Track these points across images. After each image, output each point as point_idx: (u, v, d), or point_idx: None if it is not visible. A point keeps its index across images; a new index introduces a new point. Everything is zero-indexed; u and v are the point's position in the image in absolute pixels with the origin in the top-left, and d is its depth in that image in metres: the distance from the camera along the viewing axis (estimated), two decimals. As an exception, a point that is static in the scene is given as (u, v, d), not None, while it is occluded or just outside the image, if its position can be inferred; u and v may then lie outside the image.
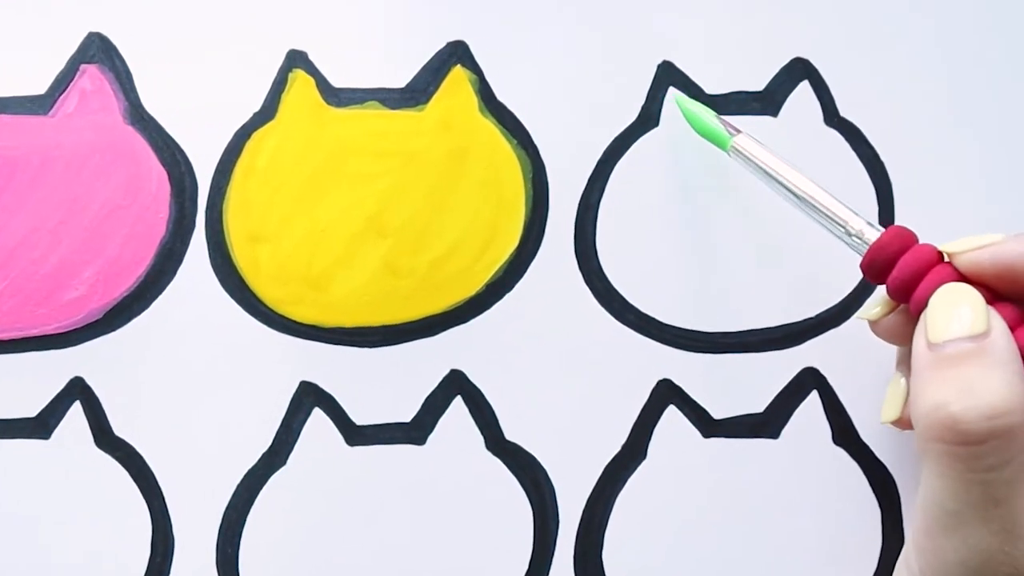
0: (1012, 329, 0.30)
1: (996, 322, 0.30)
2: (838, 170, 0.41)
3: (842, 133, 0.42)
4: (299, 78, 0.41)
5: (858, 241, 0.34)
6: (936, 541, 0.30)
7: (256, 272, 0.40)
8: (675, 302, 0.41)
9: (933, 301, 0.31)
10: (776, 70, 0.41)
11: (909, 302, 0.33)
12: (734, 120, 0.40)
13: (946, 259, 0.33)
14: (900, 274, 0.33)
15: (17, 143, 0.40)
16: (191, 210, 0.40)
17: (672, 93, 0.41)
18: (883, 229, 0.34)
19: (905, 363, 0.34)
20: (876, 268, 0.33)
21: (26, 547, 0.39)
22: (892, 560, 0.39)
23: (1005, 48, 0.42)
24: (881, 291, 0.35)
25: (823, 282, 0.41)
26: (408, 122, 0.41)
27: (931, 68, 0.42)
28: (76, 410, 0.40)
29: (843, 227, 0.35)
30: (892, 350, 0.38)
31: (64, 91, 0.41)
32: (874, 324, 0.35)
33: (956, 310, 0.30)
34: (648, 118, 0.41)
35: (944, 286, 0.31)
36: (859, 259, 0.35)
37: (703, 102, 0.40)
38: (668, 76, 0.42)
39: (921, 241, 0.34)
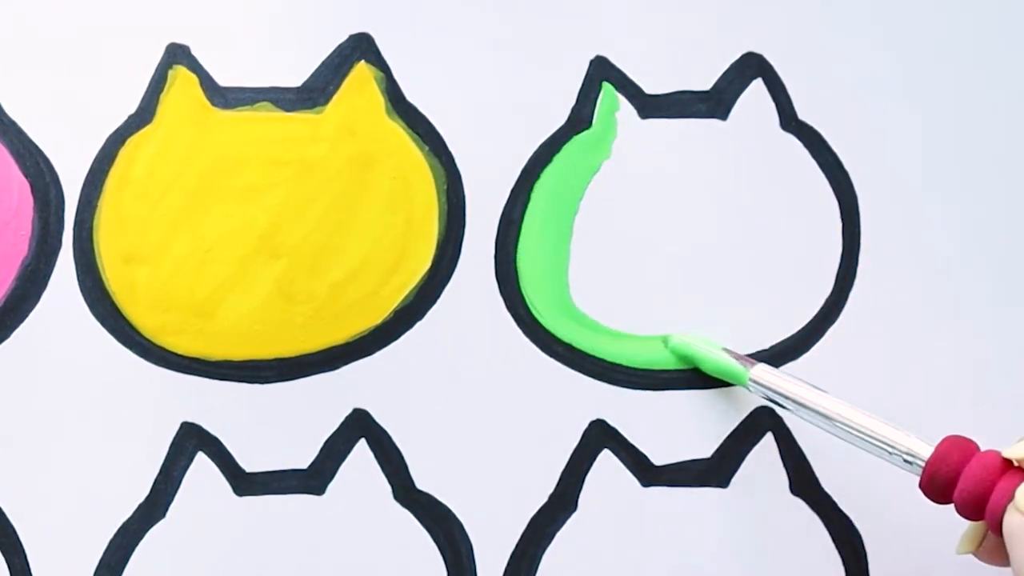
0: None
1: None
2: (796, 181, 0.41)
3: (800, 138, 0.41)
4: (180, 76, 0.40)
5: (910, 459, 0.33)
6: None
7: (132, 297, 0.39)
8: (610, 332, 0.40)
9: None
10: (725, 67, 0.41)
11: (984, 516, 0.32)
12: (676, 124, 0.40)
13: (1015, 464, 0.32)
14: (967, 485, 0.32)
15: None
16: (57, 226, 0.39)
17: (673, 340, 0.40)
18: (932, 443, 0.33)
19: None
20: (937, 486, 0.33)
21: None
22: (856, 624, 0.39)
23: (982, 48, 0.42)
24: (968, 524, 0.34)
25: (780, 309, 0.41)
26: (305, 126, 0.40)
27: (900, 65, 0.42)
28: (-80, 456, 0.39)
29: (889, 448, 0.34)
30: (855, 386, 0.39)
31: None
32: (978, 553, 0.34)
33: None
34: (579, 121, 0.41)
35: None
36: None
37: (641, 103, 0.41)
38: (602, 73, 0.41)
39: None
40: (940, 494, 0.33)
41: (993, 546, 0.34)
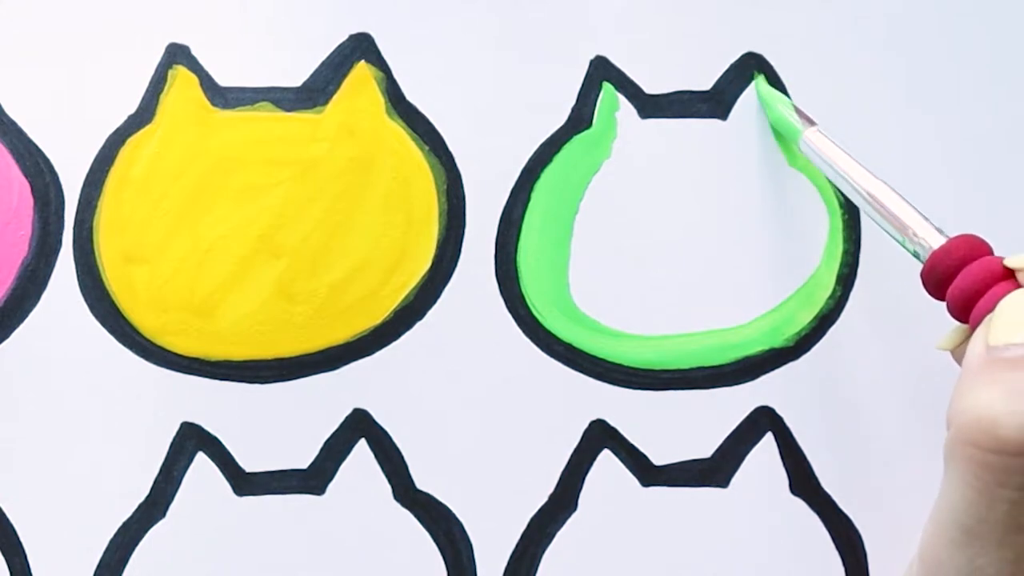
0: None
1: None
2: (796, 180, 0.40)
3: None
4: (180, 76, 0.40)
5: (921, 247, 0.33)
6: (940, 555, 0.30)
7: (132, 297, 0.39)
8: (610, 332, 0.40)
9: (1002, 305, 0.30)
10: (726, 66, 0.41)
11: (969, 320, 0.32)
12: (676, 124, 0.40)
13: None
14: (961, 284, 0.31)
15: None
16: (57, 226, 0.39)
17: (760, 80, 0.40)
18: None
19: None
20: (935, 278, 0.32)
21: None
22: (857, 625, 0.39)
23: (985, 47, 0.41)
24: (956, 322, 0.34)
25: (780, 309, 0.40)
26: (305, 126, 0.39)
27: (901, 65, 0.41)
28: (-82, 454, 0.39)
29: (901, 230, 0.34)
30: (856, 387, 0.39)
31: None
32: (955, 353, 0.34)
33: None
34: (579, 121, 0.40)
35: (1019, 291, 0.30)
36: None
37: (641, 103, 0.40)
38: (602, 73, 0.40)
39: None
40: (937, 287, 0.32)
41: None
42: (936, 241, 0.33)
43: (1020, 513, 0.28)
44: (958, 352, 0.33)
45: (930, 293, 0.33)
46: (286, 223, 0.39)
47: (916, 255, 0.33)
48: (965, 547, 0.29)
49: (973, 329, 0.31)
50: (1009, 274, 0.31)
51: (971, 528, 0.29)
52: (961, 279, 0.31)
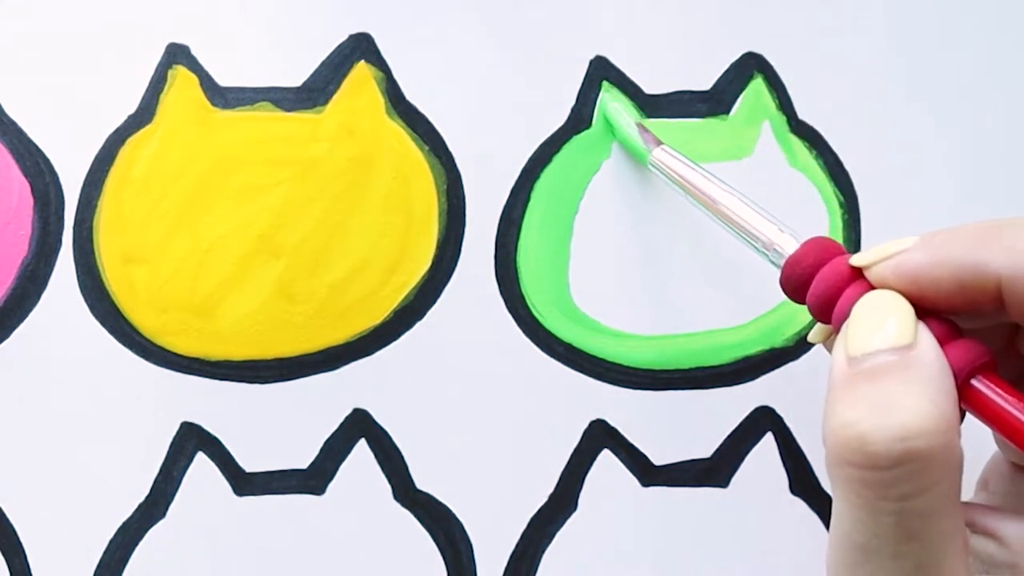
0: (941, 344, 0.29)
1: (924, 335, 0.28)
2: (796, 180, 0.40)
3: (801, 138, 0.41)
4: (180, 76, 0.40)
5: (777, 254, 0.33)
6: None
7: (132, 297, 0.39)
8: (610, 332, 0.40)
9: (856, 311, 0.29)
10: (725, 66, 0.40)
11: (832, 322, 0.31)
12: (676, 123, 0.40)
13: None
14: (816, 290, 0.31)
15: None
16: (57, 226, 0.39)
17: (604, 96, 0.40)
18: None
19: None
20: (792, 285, 0.32)
21: None
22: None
23: (984, 47, 0.41)
24: None
25: (781, 309, 0.40)
26: (305, 126, 0.39)
27: (901, 65, 0.41)
28: (-78, 455, 0.39)
29: (758, 239, 0.33)
30: None
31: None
32: (827, 345, 0.33)
33: (880, 321, 0.29)
34: (579, 121, 0.40)
35: (869, 295, 0.30)
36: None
37: (641, 102, 0.40)
38: (601, 73, 0.40)
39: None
40: (796, 294, 0.32)
41: None
42: (791, 247, 0.32)
43: (907, 523, 0.27)
44: (829, 344, 0.33)
45: (792, 300, 0.32)
46: (286, 223, 0.39)
47: (774, 263, 0.33)
48: (863, 565, 0.28)
49: (836, 332, 0.30)
50: (859, 274, 0.31)
51: (864, 545, 0.28)
52: (815, 285, 0.31)
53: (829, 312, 0.31)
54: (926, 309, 0.29)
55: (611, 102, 0.39)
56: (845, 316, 0.30)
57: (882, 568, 0.28)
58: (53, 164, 0.39)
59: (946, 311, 0.29)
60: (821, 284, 0.31)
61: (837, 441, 0.27)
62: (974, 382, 0.28)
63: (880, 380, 0.28)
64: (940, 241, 0.29)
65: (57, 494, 0.38)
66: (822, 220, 0.40)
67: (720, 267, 0.40)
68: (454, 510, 0.39)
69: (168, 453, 0.38)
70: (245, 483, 0.38)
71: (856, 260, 0.30)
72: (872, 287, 0.30)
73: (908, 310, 0.29)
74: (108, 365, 0.38)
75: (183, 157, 0.39)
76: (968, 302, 0.29)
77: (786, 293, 0.32)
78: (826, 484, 0.39)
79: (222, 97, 0.39)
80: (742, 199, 0.34)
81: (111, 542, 0.38)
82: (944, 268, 0.29)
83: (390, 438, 0.39)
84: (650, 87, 0.40)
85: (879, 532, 0.27)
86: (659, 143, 0.37)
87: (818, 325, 0.33)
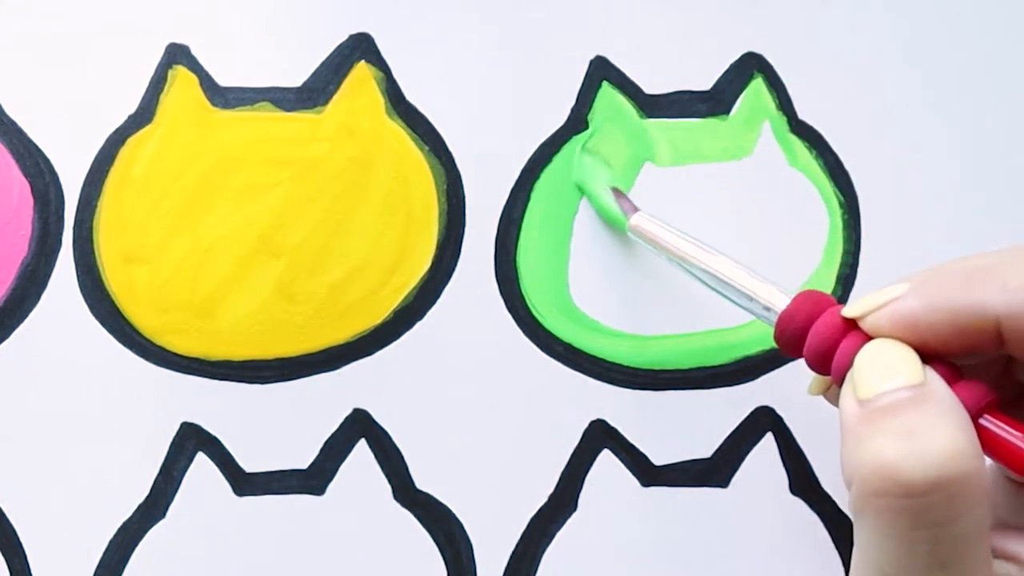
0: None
1: (931, 374, 0.29)
2: (796, 180, 0.40)
3: (801, 138, 0.41)
4: (180, 76, 0.40)
5: (768, 311, 0.33)
6: None
7: (132, 297, 0.39)
8: (610, 332, 0.40)
9: (859, 360, 0.29)
10: (725, 66, 0.41)
11: (831, 373, 0.31)
12: (674, 123, 0.40)
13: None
14: (812, 344, 0.31)
15: None
16: (57, 226, 0.39)
17: (579, 156, 0.40)
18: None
19: None
20: (787, 341, 0.32)
21: None
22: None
23: (984, 47, 0.41)
24: None
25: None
26: (305, 126, 0.39)
27: (901, 65, 0.41)
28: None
29: (750, 298, 0.33)
30: None
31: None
32: (828, 396, 0.34)
33: (887, 365, 0.29)
34: (579, 121, 0.40)
35: (871, 344, 0.30)
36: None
37: (640, 103, 0.40)
38: (601, 73, 0.40)
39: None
40: (792, 349, 0.32)
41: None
42: (782, 303, 0.32)
43: (941, 550, 0.27)
44: (830, 395, 0.33)
45: (786, 354, 0.32)
46: (286, 223, 0.39)
47: (767, 320, 0.33)
48: None
49: (838, 383, 0.30)
50: (853, 324, 0.31)
51: None
52: (810, 340, 0.31)
53: (827, 365, 0.31)
54: (925, 354, 0.29)
55: (582, 164, 0.39)
56: (846, 367, 0.30)
57: None
58: (53, 164, 0.39)
59: (945, 355, 0.29)
60: (816, 338, 0.31)
61: (867, 473, 0.27)
62: (983, 421, 0.28)
63: (901, 413, 0.27)
64: (933, 285, 0.29)
65: (57, 494, 0.38)
66: (822, 220, 0.40)
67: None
68: (454, 510, 0.38)
69: (168, 453, 0.38)
70: (245, 483, 0.38)
71: (849, 311, 0.30)
72: (867, 336, 0.30)
73: (913, 354, 0.29)
74: (108, 365, 0.38)
75: (183, 157, 0.39)
76: (967, 344, 0.29)
77: (782, 350, 0.32)
78: (826, 484, 0.39)
79: (222, 97, 0.39)
80: (730, 259, 0.34)
81: (111, 542, 0.38)
82: (940, 313, 0.29)
83: (390, 438, 0.39)
84: (650, 87, 0.40)
85: (913, 562, 0.27)
86: (636, 209, 0.37)
87: (816, 377, 0.33)
